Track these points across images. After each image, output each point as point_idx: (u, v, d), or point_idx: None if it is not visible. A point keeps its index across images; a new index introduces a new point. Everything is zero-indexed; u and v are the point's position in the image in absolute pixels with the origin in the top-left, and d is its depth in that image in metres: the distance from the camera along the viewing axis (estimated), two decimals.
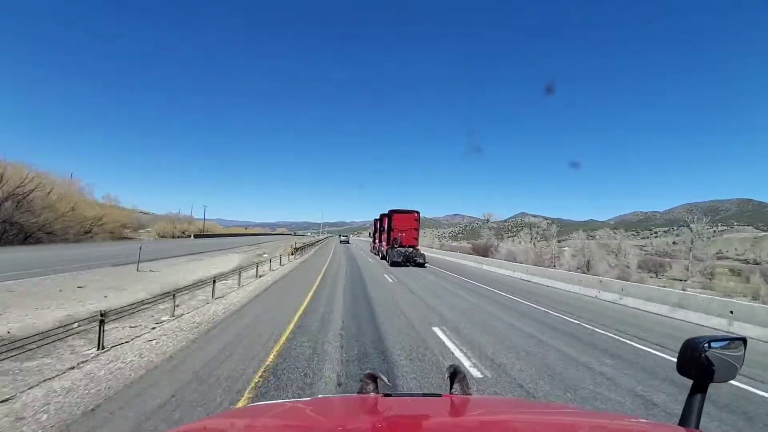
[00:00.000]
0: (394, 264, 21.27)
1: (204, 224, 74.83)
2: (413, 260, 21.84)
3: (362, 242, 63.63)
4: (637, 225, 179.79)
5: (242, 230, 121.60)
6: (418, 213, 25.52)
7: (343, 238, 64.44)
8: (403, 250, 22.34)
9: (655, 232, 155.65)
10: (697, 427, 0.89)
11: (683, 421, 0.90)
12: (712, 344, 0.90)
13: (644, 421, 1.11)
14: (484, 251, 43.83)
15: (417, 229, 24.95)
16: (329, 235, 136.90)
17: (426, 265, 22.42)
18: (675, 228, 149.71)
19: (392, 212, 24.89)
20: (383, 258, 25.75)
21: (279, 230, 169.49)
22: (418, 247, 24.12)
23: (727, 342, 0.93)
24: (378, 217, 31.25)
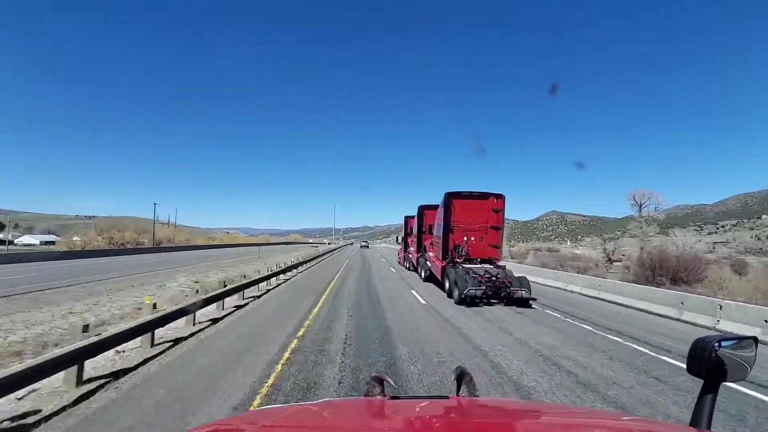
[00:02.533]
0: (464, 301, 10.53)
1: (154, 230, 54.65)
2: (506, 293, 10.71)
3: (389, 251, 52.87)
4: (685, 220, 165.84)
5: (217, 240, 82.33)
6: (501, 198, 13.45)
7: (363, 244, 77.66)
8: (480, 270, 11.69)
9: (722, 226, 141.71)
10: (708, 428, 0.87)
11: (694, 422, 0.89)
12: (723, 343, 0.89)
13: (656, 421, 1.08)
14: (676, 272, 18.12)
15: (500, 229, 13.39)
16: (348, 242, 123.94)
17: (531, 302, 10.98)
18: (747, 220, 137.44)
19: (451, 198, 13.13)
20: (427, 279, 15.68)
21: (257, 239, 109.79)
22: (503, 264, 13.41)
23: (737, 341, 0.92)
24: (416, 213, 19.31)
